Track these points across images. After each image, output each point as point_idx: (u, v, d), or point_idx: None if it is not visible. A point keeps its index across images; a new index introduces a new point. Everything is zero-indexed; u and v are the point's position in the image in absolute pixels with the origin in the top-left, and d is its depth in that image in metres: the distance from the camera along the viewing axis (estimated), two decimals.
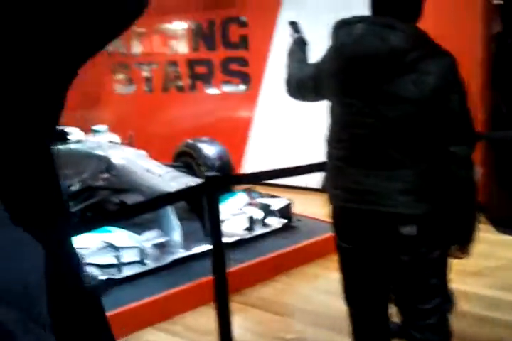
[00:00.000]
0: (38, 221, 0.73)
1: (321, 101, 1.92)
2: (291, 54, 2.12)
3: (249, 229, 3.87)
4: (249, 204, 4.25)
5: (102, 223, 2.79)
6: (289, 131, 5.70)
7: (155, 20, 6.83)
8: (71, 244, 0.81)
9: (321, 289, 3.24)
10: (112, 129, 6.40)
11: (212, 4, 6.27)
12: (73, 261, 0.80)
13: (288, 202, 4.15)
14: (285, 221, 4.06)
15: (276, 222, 4.06)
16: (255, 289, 3.34)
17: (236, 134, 6.27)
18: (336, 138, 1.80)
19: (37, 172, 0.77)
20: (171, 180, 3.68)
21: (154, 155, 5.46)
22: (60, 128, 5.26)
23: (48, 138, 0.79)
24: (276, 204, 4.13)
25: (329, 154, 1.84)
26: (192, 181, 3.63)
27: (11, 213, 0.67)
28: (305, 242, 3.78)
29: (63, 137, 5.04)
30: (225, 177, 2.45)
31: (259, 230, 3.93)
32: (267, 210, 4.03)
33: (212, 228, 2.30)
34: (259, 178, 3.12)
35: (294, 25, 2.24)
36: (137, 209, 2.72)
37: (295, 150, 5.47)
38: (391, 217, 1.70)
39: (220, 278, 2.27)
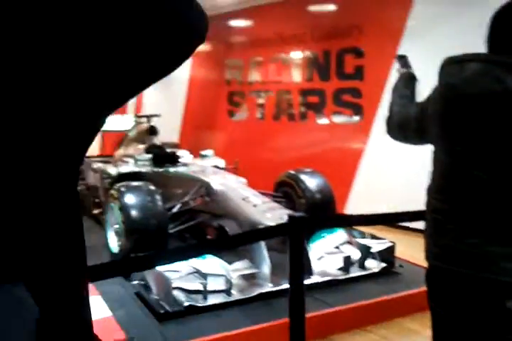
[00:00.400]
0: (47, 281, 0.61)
1: (426, 145, 1.71)
2: (396, 90, 1.93)
3: (344, 269, 3.62)
4: (348, 242, 4.02)
5: (198, 252, 2.70)
6: (401, 167, 5.38)
7: (271, 49, 6.94)
8: (84, 312, 0.66)
9: None
10: (221, 154, 6.54)
11: (328, 34, 6.22)
12: (80, 331, 0.66)
13: (390, 244, 3.84)
14: (385, 265, 3.75)
15: (375, 265, 3.77)
16: (344, 337, 3.09)
17: (344, 167, 6.08)
18: (437, 189, 1.57)
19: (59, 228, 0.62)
20: (266, 211, 3.58)
21: (257, 183, 5.46)
22: (173, 150, 5.47)
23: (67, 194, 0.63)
24: (377, 246, 3.85)
25: (428, 205, 1.61)
26: (286, 214, 3.49)
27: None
28: (405, 292, 3.45)
29: (174, 160, 5.23)
30: (310, 219, 2.27)
31: (355, 272, 3.67)
32: (367, 251, 3.76)
33: (293, 271, 2.12)
34: (349, 222, 2.89)
35: (402, 59, 2.07)
36: (229, 241, 2.61)
37: (406, 189, 5.12)
38: (495, 285, 1.42)
39: (297, 323, 2.09)
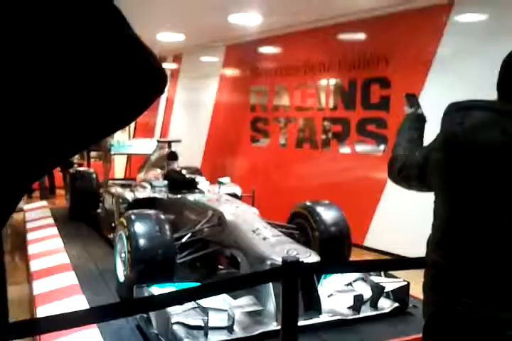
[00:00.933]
0: None
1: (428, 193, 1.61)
2: (402, 132, 1.83)
3: (354, 309, 3.47)
4: (362, 279, 3.86)
5: (208, 292, 2.57)
6: (425, 202, 5.19)
7: (297, 76, 6.92)
8: None
9: None
10: (241, 180, 6.49)
11: (355, 63, 6.16)
12: None
13: (404, 283, 3.67)
14: (398, 305, 3.58)
15: (387, 305, 3.60)
16: None
17: (366, 198, 5.93)
18: (435, 242, 1.47)
19: None
20: (275, 245, 3.48)
21: (273, 212, 5.36)
22: (191, 177, 5.45)
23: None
24: (390, 285, 3.68)
25: (427, 258, 1.51)
26: (296, 250, 3.39)
27: None
28: (417, 334, 3.26)
29: (191, 186, 5.21)
30: (304, 264, 2.17)
31: (366, 312, 3.50)
32: (380, 291, 3.60)
33: (285, 315, 2.01)
34: (346, 269, 2.75)
35: (410, 98, 1.96)
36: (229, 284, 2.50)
37: (428, 224, 4.93)
38: None
39: None
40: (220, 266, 4.34)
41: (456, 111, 1.42)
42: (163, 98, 10.34)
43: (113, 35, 0.63)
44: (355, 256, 4.83)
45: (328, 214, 4.29)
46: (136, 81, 0.65)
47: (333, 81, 6.55)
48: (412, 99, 1.96)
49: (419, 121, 1.87)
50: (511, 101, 1.38)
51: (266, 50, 7.59)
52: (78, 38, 0.61)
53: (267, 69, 7.49)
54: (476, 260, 1.36)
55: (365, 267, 2.60)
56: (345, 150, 6.30)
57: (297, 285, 2.05)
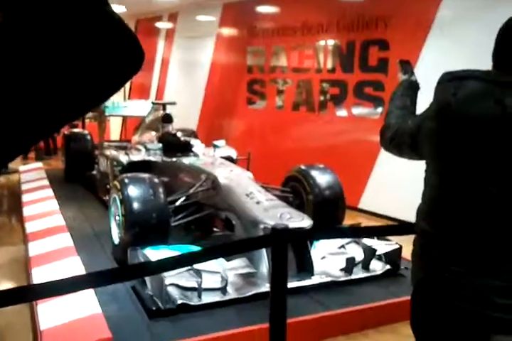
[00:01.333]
0: None
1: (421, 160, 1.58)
2: (395, 99, 1.78)
3: (347, 271, 3.52)
4: (355, 242, 3.90)
5: (206, 257, 2.58)
6: (421, 165, 5.18)
7: (295, 37, 6.76)
8: None
9: None
10: (237, 143, 6.46)
11: (354, 24, 6.00)
12: None
13: (397, 246, 3.71)
14: (390, 267, 3.63)
15: (379, 267, 3.65)
16: None
17: (361, 161, 5.92)
18: (425, 211, 1.47)
19: None
20: (268, 209, 3.49)
21: (268, 175, 5.36)
22: (185, 140, 5.41)
23: None
24: (383, 247, 3.72)
25: (416, 227, 1.51)
26: (289, 213, 3.40)
27: None
28: (408, 296, 3.32)
29: (185, 149, 5.18)
30: (293, 231, 2.17)
31: (358, 274, 3.56)
32: (371, 253, 3.64)
33: (274, 282, 2.03)
34: (335, 235, 2.76)
35: (404, 64, 1.89)
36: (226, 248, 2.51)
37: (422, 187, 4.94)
38: (483, 320, 1.32)
39: (276, 330, 2.01)
40: (214, 229, 4.37)
41: (450, 81, 1.39)
42: (158, 58, 10.14)
43: (92, 11, 0.63)
44: (350, 218, 4.87)
45: (322, 178, 4.29)
46: (115, 57, 0.66)
47: (331, 42, 6.41)
48: (406, 66, 1.90)
49: (412, 88, 1.82)
50: (506, 71, 1.34)
51: (263, 9, 7.38)
52: (58, 15, 0.60)
53: (264, 29, 7.30)
54: (464, 228, 1.36)
55: (353, 233, 2.62)
56: (342, 113, 6.23)
57: (286, 251, 2.06)
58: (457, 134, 1.34)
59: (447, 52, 4.92)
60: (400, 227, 2.25)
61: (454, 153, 1.36)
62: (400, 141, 1.62)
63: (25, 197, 5.63)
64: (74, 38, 0.61)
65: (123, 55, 0.66)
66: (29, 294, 1.89)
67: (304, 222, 3.36)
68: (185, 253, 2.45)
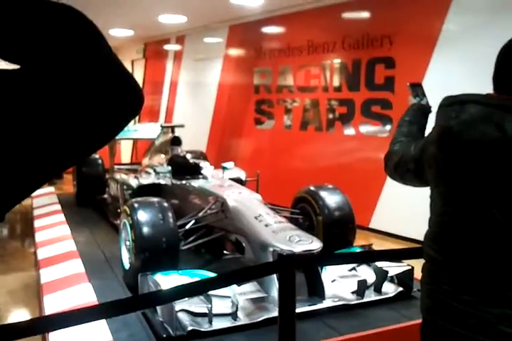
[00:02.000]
0: None
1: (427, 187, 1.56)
2: (402, 125, 1.74)
3: (358, 294, 3.48)
4: (366, 264, 3.87)
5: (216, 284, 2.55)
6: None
7: (301, 57, 6.83)
8: None
9: None
10: (246, 164, 6.48)
11: (359, 43, 6.05)
12: None
13: (408, 267, 3.67)
14: (402, 289, 3.59)
15: (391, 290, 3.61)
16: None
17: (371, 180, 5.90)
18: (432, 236, 1.44)
19: None
20: (277, 231, 3.48)
21: (277, 196, 5.36)
22: (194, 162, 5.44)
23: None
24: (394, 269, 3.68)
25: (424, 253, 1.48)
26: (298, 236, 3.39)
27: None
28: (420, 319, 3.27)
29: (196, 171, 5.20)
30: (300, 257, 2.17)
31: (370, 297, 3.52)
32: (383, 275, 3.60)
33: (282, 309, 2.02)
34: (344, 261, 2.73)
35: (414, 87, 1.84)
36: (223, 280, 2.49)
37: None
38: None
39: None
40: (225, 252, 4.37)
41: (450, 105, 1.38)
42: (166, 81, 10.27)
43: (90, 55, 0.64)
44: (361, 238, 4.84)
45: (331, 199, 4.28)
46: (115, 101, 0.66)
47: (337, 61, 6.45)
48: (417, 89, 1.83)
49: (422, 112, 1.77)
50: (507, 94, 1.33)
51: (269, 30, 7.47)
52: (55, 58, 0.61)
53: (271, 49, 7.39)
54: (471, 254, 1.34)
55: (361, 258, 2.59)
56: (349, 131, 6.24)
57: (294, 277, 2.05)
58: (459, 158, 1.33)
59: (455, 65, 4.92)
60: (412, 250, 2.22)
61: (456, 178, 1.35)
62: (404, 167, 1.60)
63: (37, 223, 5.67)
64: (77, 84, 0.62)
65: (122, 99, 0.67)
66: (41, 326, 1.90)
67: (314, 244, 3.34)
68: (196, 281, 2.44)
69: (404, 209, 5.50)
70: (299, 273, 3.55)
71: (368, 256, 2.52)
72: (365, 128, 6.06)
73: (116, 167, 6.62)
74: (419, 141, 1.62)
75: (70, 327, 1.96)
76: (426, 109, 1.79)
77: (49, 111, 0.62)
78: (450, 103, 1.39)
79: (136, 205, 3.74)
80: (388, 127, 5.78)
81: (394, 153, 1.67)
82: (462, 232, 1.34)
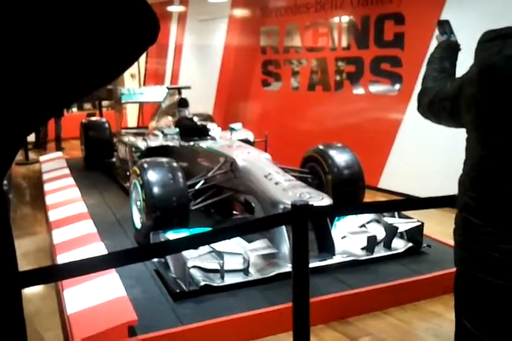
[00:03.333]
0: None
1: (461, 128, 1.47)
2: (433, 61, 1.65)
3: (368, 249, 3.50)
4: (376, 220, 3.88)
5: (221, 236, 2.58)
6: (442, 142, 5.07)
7: (308, 15, 6.65)
8: None
9: (434, 331, 2.81)
10: (254, 125, 6.43)
11: None
12: None
13: (418, 223, 3.68)
14: (411, 245, 3.60)
15: (401, 245, 3.63)
16: (361, 319, 3.01)
17: (380, 139, 5.85)
18: (469, 183, 1.36)
19: None
20: (287, 189, 3.48)
21: (287, 156, 5.33)
22: (202, 123, 5.40)
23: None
24: (404, 225, 3.69)
25: (459, 200, 1.41)
26: (308, 193, 3.38)
27: None
28: (430, 273, 3.31)
29: (202, 133, 5.17)
30: (313, 207, 2.16)
31: (379, 252, 3.54)
32: (393, 231, 3.61)
33: (296, 260, 2.03)
34: (356, 211, 2.73)
35: (443, 24, 1.75)
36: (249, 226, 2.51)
37: (444, 165, 4.84)
38: None
39: (300, 309, 2.01)
40: (234, 212, 4.38)
41: (492, 40, 1.27)
42: (171, 43, 10.09)
43: None
44: (369, 197, 4.84)
45: (340, 157, 4.25)
46: (132, 28, 0.65)
47: (345, 18, 6.28)
48: (444, 26, 1.75)
49: (452, 49, 1.68)
50: None
51: None
52: None
53: (277, 7, 7.20)
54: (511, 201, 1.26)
55: (374, 208, 2.59)
56: (358, 91, 6.14)
57: (307, 228, 2.05)
58: (502, 98, 1.23)
59: (464, 21, 4.77)
60: (421, 201, 2.21)
61: (498, 119, 1.25)
62: (439, 106, 1.50)
63: (47, 186, 5.71)
64: (92, 8, 0.60)
65: (139, 26, 0.65)
66: (54, 273, 1.92)
67: (324, 200, 3.34)
68: (206, 231, 2.45)
69: (413, 169, 5.47)
70: (309, 231, 3.58)
71: (382, 206, 2.51)
72: (375, 87, 5.95)
73: (123, 131, 6.59)
74: (455, 79, 1.52)
75: (81, 274, 1.99)
76: (455, 46, 1.70)
77: (67, 28, 0.60)
78: (491, 38, 1.27)
79: (146, 165, 3.73)
80: (398, 86, 5.68)
81: (428, 90, 1.57)
82: (503, 178, 1.26)
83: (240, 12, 8.10)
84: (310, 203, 2.11)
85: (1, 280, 0.65)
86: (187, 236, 2.22)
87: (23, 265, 3.95)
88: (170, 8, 9.88)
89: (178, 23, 9.81)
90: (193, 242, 2.25)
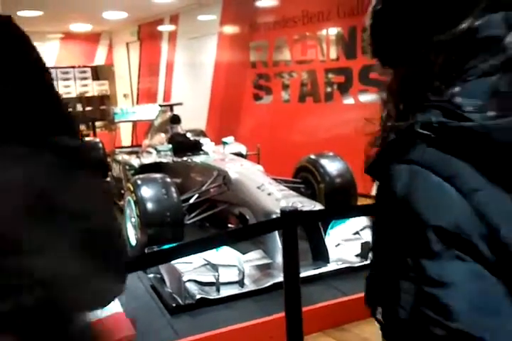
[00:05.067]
0: None
1: None
2: None
3: (362, 256, 3.52)
4: (369, 227, 3.90)
5: (210, 245, 2.62)
6: None
7: (296, 28, 6.76)
8: None
9: None
10: (247, 139, 6.48)
11: (354, 10, 5.98)
12: None
13: None
14: None
15: None
16: (357, 326, 3.01)
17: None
18: None
19: None
20: (280, 199, 3.51)
21: (279, 168, 5.38)
22: (195, 139, 5.46)
23: None
24: None
25: None
26: (301, 202, 3.42)
27: None
28: None
29: (197, 148, 5.22)
30: (302, 213, 2.19)
31: None
32: None
33: (287, 266, 2.06)
34: (345, 215, 2.76)
35: None
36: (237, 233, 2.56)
37: None
38: None
39: (293, 318, 2.03)
40: (229, 225, 4.41)
41: None
42: (162, 61, 10.21)
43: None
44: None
45: (332, 166, 4.30)
46: None
47: (332, 30, 6.38)
48: None
49: None
50: None
51: (263, 2, 7.38)
52: None
53: (265, 22, 7.31)
54: None
55: (362, 211, 2.62)
56: (349, 101, 6.21)
57: (296, 233, 2.08)
58: None
59: None
60: None
61: None
62: None
63: None
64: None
65: None
66: None
67: (316, 208, 3.37)
68: (197, 239, 2.48)
69: None
70: (302, 240, 3.60)
71: (370, 209, 2.53)
72: (364, 96, 6.02)
73: (117, 150, 6.64)
74: None
75: None
76: None
77: None
78: None
79: (139, 182, 3.77)
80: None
81: None
82: None
83: (229, 28, 8.22)
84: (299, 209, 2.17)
85: None
86: (178, 245, 2.24)
87: None
88: (160, 28, 10.02)
89: (168, 41, 9.94)
90: (184, 251, 2.28)
